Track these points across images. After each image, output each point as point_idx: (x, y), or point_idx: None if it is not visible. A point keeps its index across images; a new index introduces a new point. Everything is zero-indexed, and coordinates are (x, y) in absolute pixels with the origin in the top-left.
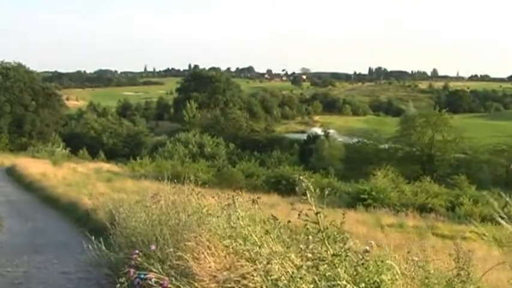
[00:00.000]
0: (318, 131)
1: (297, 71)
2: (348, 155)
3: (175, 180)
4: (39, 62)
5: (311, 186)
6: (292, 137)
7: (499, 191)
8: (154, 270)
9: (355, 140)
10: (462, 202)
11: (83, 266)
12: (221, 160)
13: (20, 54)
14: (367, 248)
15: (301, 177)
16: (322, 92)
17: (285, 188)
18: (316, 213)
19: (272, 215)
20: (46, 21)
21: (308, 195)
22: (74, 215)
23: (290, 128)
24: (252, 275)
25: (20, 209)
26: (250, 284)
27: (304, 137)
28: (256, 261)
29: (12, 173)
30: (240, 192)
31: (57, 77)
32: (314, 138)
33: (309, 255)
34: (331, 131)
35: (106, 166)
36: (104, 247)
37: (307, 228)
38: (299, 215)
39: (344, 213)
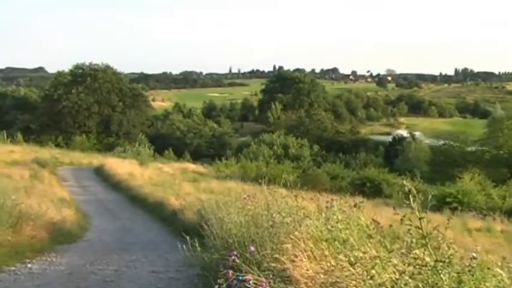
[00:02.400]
0: (404, 133)
1: (382, 72)
2: (434, 158)
3: (260, 181)
4: (126, 64)
5: (414, 191)
6: (377, 139)
7: None
8: (252, 272)
9: (441, 142)
10: None
11: (173, 266)
12: (306, 161)
13: (107, 56)
14: (474, 254)
15: (404, 182)
16: (407, 93)
17: (370, 190)
18: (420, 218)
19: (373, 219)
20: (133, 23)
21: (411, 200)
22: (161, 215)
23: (375, 129)
24: (351, 280)
25: (108, 208)
26: None
27: (389, 139)
28: (356, 265)
29: (100, 173)
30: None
31: (143, 79)
32: (399, 140)
33: (412, 260)
34: (417, 133)
35: (191, 166)
36: (197, 247)
37: (410, 233)
38: (402, 219)
39: (449, 219)
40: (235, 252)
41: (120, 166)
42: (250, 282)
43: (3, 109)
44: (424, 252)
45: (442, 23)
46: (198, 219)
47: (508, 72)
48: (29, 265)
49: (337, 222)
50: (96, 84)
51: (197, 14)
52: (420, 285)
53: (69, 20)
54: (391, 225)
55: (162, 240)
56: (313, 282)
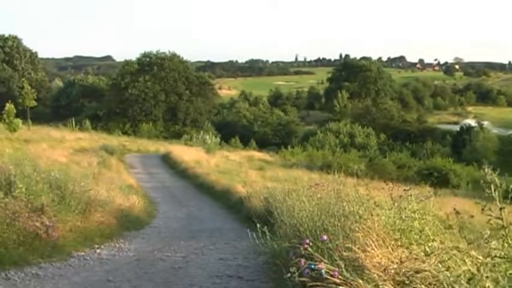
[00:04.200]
0: (471, 122)
1: (450, 60)
2: (503, 148)
3: (326, 170)
4: (193, 52)
5: (497, 180)
6: (444, 128)
7: None
8: (325, 260)
9: (510, 132)
10: None
11: (241, 253)
12: (372, 150)
13: (174, 44)
14: None
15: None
16: (475, 82)
17: (437, 180)
18: (500, 209)
19: (454, 209)
20: (199, 11)
21: (492, 190)
22: (228, 202)
23: (442, 119)
24: (427, 270)
25: (174, 195)
26: (426, 280)
27: (456, 128)
28: (431, 256)
29: (167, 160)
30: (390, 183)
31: (209, 67)
32: (467, 129)
33: (492, 251)
34: (485, 123)
35: (257, 154)
36: (268, 235)
37: (491, 224)
38: (483, 209)
39: None
40: (307, 241)
41: (187, 154)
42: (323, 271)
43: (72, 97)
44: (503, 244)
45: (510, 11)
46: (266, 207)
47: None
48: (98, 251)
49: (413, 212)
50: (163, 73)
51: (263, 2)
52: (499, 277)
53: (137, 8)
54: (472, 216)
55: (229, 227)
56: (385, 272)
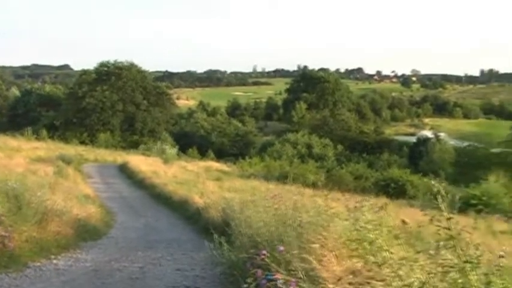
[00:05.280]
0: (428, 133)
1: (407, 72)
2: (459, 159)
3: (283, 181)
4: (150, 62)
5: (443, 191)
6: (401, 140)
7: None
8: (281, 271)
9: (465, 143)
10: None
11: (198, 264)
12: (329, 161)
13: (132, 54)
14: (502, 253)
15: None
16: (432, 94)
17: (394, 190)
18: (448, 219)
19: (402, 220)
20: (158, 22)
21: (439, 201)
22: (185, 213)
23: (399, 130)
24: (379, 280)
25: (132, 205)
26: None
27: (413, 139)
28: (383, 266)
29: (124, 170)
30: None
31: (168, 77)
32: (424, 141)
33: (440, 261)
34: (442, 134)
35: (215, 165)
36: (225, 246)
37: (439, 234)
38: (431, 220)
39: (475, 219)
40: (264, 251)
41: (144, 164)
42: (279, 281)
43: (29, 106)
44: (452, 253)
45: (467, 24)
46: (223, 217)
47: None
48: (55, 261)
49: (366, 223)
50: (121, 83)
51: (223, 13)
52: (448, 286)
53: (96, 18)
54: (419, 226)
55: (186, 238)
56: (340, 282)
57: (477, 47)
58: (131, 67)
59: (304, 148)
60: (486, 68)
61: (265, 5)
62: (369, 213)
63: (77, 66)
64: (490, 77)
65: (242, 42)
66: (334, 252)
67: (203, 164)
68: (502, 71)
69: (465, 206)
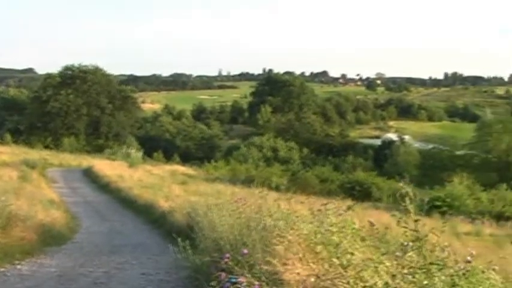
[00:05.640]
0: (393, 136)
1: (372, 75)
2: (423, 161)
3: (249, 184)
4: (115, 66)
5: (411, 193)
6: (366, 142)
7: None
8: (245, 274)
9: (430, 146)
10: None
11: (163, 268)
12: (295, 164)
13: (97, 57)
14: (469, 258)
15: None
16: (397, 97)
17: (359, 193)
18: (415, 221)
19: (369, 221)
20: (123, 25)
21: (407, 203)
22: (150, 217)
23: (364, 133)
24: (343, 282)
25: (97, 210)
26: None
27: (378, 142)
28: (348, 268)
29: (89, 174)
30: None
31: (133, 80)
32: (389, 143)
33: (405, 262)
34: (406, 137)
35: (181, 169)
36: (189, 249)
37: (406, 235)
38: (398, 222)
39: (444, 222)
40: (228, 255)
41: (110, 168)
42: (243, 284)
43: None
44: (418, 255)
45: (431, 27)
46: (188, 221)
47: (497, 77)
48: (19, 266)
49: (331, 226)
50: (86, 86)
51: (187, 15)
52: (413, 287)
53: (60, 21)
54: (387, 228)
55: (151, 242)
56: (304, 285)
57: (441, 49)
58: (96, 71)
59: (270, 151)
60: (450, 71)
61: (230, 8)
62: (333, 216)
63: (41, 70)
64: (454, 79)
65: (207, 46)
66: (298, 255)
67: (169, 167)
68: (466, 73)
69: (430, 208)
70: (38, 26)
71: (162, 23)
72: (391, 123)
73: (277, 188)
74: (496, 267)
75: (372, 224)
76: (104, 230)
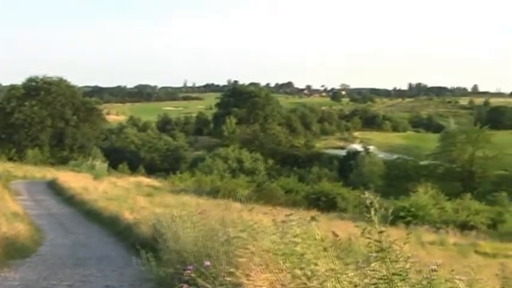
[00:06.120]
0: (358, 147)
1: (337, 86)
2: (388, 172)
3: (214, 196)
4: (80, 77)
5: (376, 204)
6: (331, 153)
7: None
8: (207, 286)
9: (395, 156)
10: (504, 219)
11: (127, 280)
12: (260, 175)
13: (61, 69)
14: (434, 267)
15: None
16: (361, 107)
17: (324, 204)
18: (380, 232)
19: (333, 232)
20: (87, 36)
21: (372, 213)
22: (116, 229)
23: (329, 143)
24: None
25: (61, 222)
26: None
27: (343, 153)
28: (311, 279)
29: (53, 187)
30: (279, 208)
31: (97, 92)
32: (354, 154)
33: (369, 273)
34: (371, 147)
35: (146, 180)
36: (153, 262)
37: (370, 246)
38: (362, 233)
39: (408, 233)
40: (190, 267)
41: (74, 180)
42: None
43: None
44: (381, 266)
45: (395, 38)
46: (153, 233)
47: (461, 87)
48: None
49: (294, 237)
50: (50, 98)
51: (151, 26)
52: None
53: (24, 33)
54: (350, 239)
55: (116, 254)
56: None
57: (406, 60)
58: (60, 82)
59: (235, 163)
60: (414, 81)
61: (198, 18)
62: (297, 226)
63: (5, 81)
64: (418, 90)
65: (172, 57)
66: (261, 266)
67: (134, 179)
68: (429, 84)
69: (395, 218)
70: (2, 37)
71: (126, 33)
72: (356, 133)
73: (242, 199)
74: (461, 277)
75: (335, 235)
76: (68, 242)
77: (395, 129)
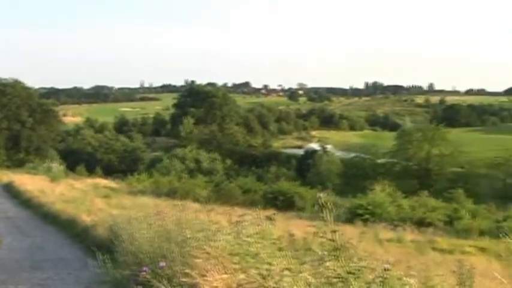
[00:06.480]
0: (315, 146)
1: (294, 86)
2: (346, 170)
3: (172, 196)
4: (36, 78)
5: (329, 204)
6: (289, 152)
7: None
8: (162, 287)
9: (352, 155)
10: (460, 216)
11: (84, 283)
12: (218, 176)
13: (17, 70)
14: (387, 266)
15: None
16: (318, 107)
17: (282, 203)
18: (333, 231)
19: (288, 232)
20: (43, 38)
21: (324, 213)
22: (73, 232)
23: (287, 143)
24: None
25: (18, 226)
26: None
27: (301, 152)
28: (267, 278)
29: (9, 190)
30: (237, 208)
31: (54, 93)
32: (311, 153)
33: (324, 272)
34: (329, 146)
35: (103, 182)
36: (108, 264)
37: (324, 245)
38: (316, 232)
39: (363, 232)
40: (145, 268)
41: (31, 183)
42: None
43: None
44: (336, 264)
45: (351, 36)
46: (110, 235)
47: (417, 86)
48: None
49: (248, 237)
50: (5, 100)
51: (109, 26)
52: None
53: None
54: (305, 238)
55: (74, 257)
56: None
57: (361, 60)
58: (16, 84)
59: (193, 163)
60: (370, 80)
61: (150, 19)
62: (251, 226)
63: None
64: (374, 89)
65: (129, 58)
66: (217, 266)
67: (91, 181)
68: (386, 83)
69: (352, 216)
70: None
71: (83, 34)
72: (313, 133)
73: (200, 200)
74: (414, 273)
75: (291, 235)
76: (25, 246)
77: (352, 128)
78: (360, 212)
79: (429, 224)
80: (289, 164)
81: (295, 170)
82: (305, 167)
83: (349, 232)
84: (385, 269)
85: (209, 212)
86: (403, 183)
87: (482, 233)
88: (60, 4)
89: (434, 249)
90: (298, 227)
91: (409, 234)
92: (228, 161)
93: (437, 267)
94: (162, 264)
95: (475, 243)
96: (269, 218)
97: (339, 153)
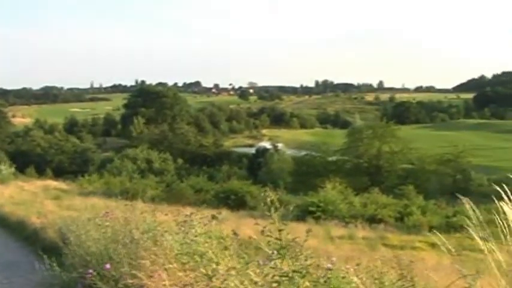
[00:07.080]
0: (266, 144)
1: (244, 85)
2: (297, 168)
3: (124, 197)
4: None
5: (276, 202)
6: (240, 151)
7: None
8: None
9: (303, 152)
10: (411, 212)
11: (32, 286)
12: (170, 176)
13: None
14: (330, 265)
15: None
16: (269, 105)
17: (234, 202)
18: (279, 230)
19: (233, 231)
20: None
21: (272, 211)
22: (22, 234)
23: (238, 142)
24: None
25: None
26: None
27: (252, 150)
28: (213, 278)
29: None
30: (188, 208)
31: (2, 94)
32: (262, 152)
33: (270, 271)
34: (280, 145)
35: (54, 184)
36: (56, 266)
37: (270, 244)
38: (262, 231)
39: (308, 231)
40: (91, 271)
41: None
42: None
43: None
44: (282, 263)
45: (300, 34)
46: (59, 237)
47: (367, 84)
48: None
49: (195, 236)
50: None
51: (57, 24)
52: None
53: None
54: (250, 237)
55: (24, 260)
56: None
57: (310, 58)
58: None
59: (144, 163)
60: (321, 79)
61: (102, 18)
62: (198, 225)
63: None
64: (325, 87)
65: (79, 58)
66: (164, 267)
67: (41, 183)
68: (336, 81)
69: (304, 214)
70: None
71: (32, 33)
72: (264, 131)
73: (151, 200)
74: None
75: (235, 234)
76: None
77: (303, 126)
78: (312, 209)
79: (380, 221)
80: (240, 163)
81: (246, 169)
82: (256, 166)
83: (300, 230)
84: (327, 269)
85: (156, 212)
86: (354, 180)
87: (432, 229)
88: (4, 2)
89: (385, 245)
90: (249, 225)
91: (361, 231)
92: (180, 161)
93: (388, 263)
94: (108, 266)
95: (425, 238)
96: (214, 217)
97: (290, 152)
